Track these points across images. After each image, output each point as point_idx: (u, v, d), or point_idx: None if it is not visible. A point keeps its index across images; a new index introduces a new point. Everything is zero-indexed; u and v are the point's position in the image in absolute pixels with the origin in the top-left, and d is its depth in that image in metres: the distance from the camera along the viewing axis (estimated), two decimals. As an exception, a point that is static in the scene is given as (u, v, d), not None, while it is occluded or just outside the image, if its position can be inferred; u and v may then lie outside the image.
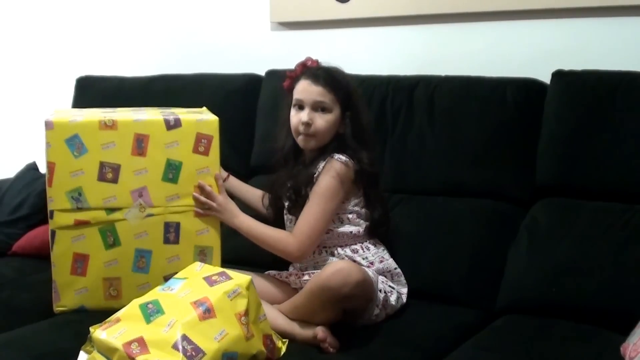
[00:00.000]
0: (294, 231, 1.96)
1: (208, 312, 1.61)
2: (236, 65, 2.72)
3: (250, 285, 1.68)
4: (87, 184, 1.97)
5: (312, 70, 2.01)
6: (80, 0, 3.28)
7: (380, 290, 1.89)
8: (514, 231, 2.05)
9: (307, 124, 1.96)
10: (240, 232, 2.01)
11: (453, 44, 2.44)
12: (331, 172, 1.94)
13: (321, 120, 1.96)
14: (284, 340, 1.78)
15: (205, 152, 2.02)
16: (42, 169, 2.79)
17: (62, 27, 3.34)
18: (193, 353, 1.53)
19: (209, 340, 1.57)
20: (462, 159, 2.17)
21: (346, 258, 1.95)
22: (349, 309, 1.81)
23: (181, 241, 2.03)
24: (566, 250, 1.93)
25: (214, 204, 1.98)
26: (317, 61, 2.03)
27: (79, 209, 1.98)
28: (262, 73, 2.64)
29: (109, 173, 1.98)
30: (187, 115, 2.04)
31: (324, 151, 1.99)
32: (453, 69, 2.31)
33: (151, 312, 1.64)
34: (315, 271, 1.94)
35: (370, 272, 1.87)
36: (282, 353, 1.74)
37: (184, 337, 1.55)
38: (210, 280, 1.69)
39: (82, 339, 1.73)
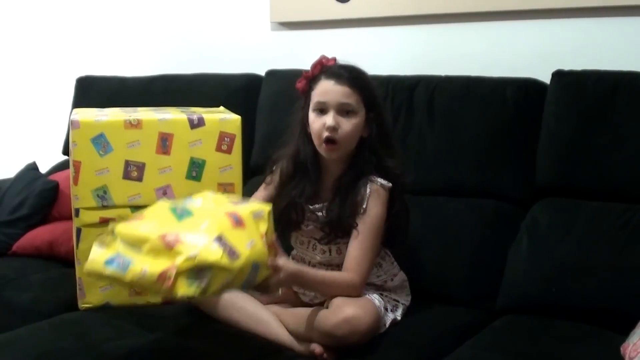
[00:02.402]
0: (350, 266, 1.78)
1: (239, 223, 1.55)
2: (236, 65, 2.72)
3: (270, 214, 1.62)
4: (113, 182, 2.00)
5: (332, 68, 1.83)
6: (80, 0, 3.28)
7: (386, 309, 1.86)
8: (514, 231, 2.05)
9: (334, 129, 1.77)
10: (305, 283, 1.80)
11: (453, 44, 2.44)
12: (380, 199, 1.80)
13: (348, 125, 1.77)
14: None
15: (228, 151, 2.06)
16: (42, 168, 2.80)
17: (62, 27, 3.34)
18: (231, 252, 1.48)
19: (242, 246, 1.51)
20: (462, 159, 2.17)
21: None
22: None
23: None
24: (566, 250, 1.93)
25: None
26: (334, 59, 1.85)
27: (104, 207, 2.01)
28: (262, 73, 2.64)
29: (133, 171, 2.01)
30: (209, 114, 2.08)
31: (356, 169, 1.83)
32: (453, 69, 2.30)
33: (181, 213, 1.57)
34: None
35: (377, 300, 1.82)
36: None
37: (221, 238, 1.48)
38: (233, 202, 1.65)
39: (82, 339, 1.74)
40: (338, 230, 1.83)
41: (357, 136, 1.82)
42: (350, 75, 1.81)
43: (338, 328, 1.67)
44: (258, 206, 1.64)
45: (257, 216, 1.61)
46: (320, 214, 1.88)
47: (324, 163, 1.89)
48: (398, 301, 1.93)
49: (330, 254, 1.90)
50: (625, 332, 1.60)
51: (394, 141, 1.94)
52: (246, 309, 1.85)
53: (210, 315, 1.90)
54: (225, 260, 1.47)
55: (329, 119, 1.78)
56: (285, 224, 1.89)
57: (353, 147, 1.83)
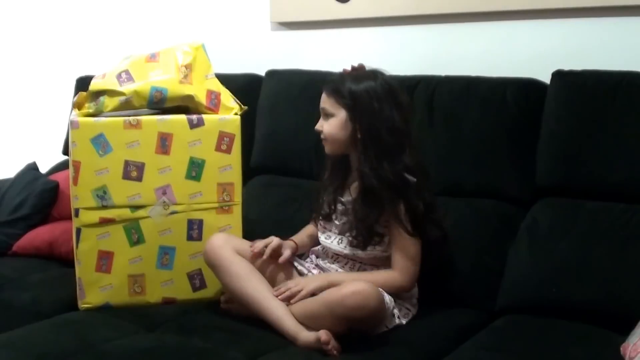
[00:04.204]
0: (397, 263, 1.91)
1: (153, 58, 2.10)
2: (236, 65, 2.72)
3: (200, 48, 2.14)
4: (112, 182, 2.01)
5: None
6: (80, 0, 3.28)
7: (394, 316, 1.88)
8: (514, 231, 2.05)
9: (319, 131, 1.99)
10: None
11: (453, 44, 2.44)
12: (414, 194, 1.90)
13: (327, 126, 1.96)
14: (243, 106, 2.11)
15: (228, 150, 2.08)
16: (42, 168, 2.80)
17: (62, 27, 3.34)
18: (127, 79, 2.02)
19: (143, 75, 2.04)
20: (462, 159, 2.17)
21: None
22: (357, 328, 1.80)
23: (204, 238, 2.07)
24: (566, 250, 1.93)
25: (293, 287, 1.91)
26: (353, 68, 1.99)
27: (104, 207, 2.02)
28: (262, 73, 2.64)
29: (133, 171, 2.02)
30: (208, 114, 2.08)
31: (360, 168, 1.93)
32: (453, 69, 2.30)
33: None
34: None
35: (387, 297, 1.85)
36: (233, 113, 2.09)
37: (127, 71, 2.04)
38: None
39: (82, 339, 1.74)
40: (369, 237, 1.93)
41: (340, 134, 1.95)
42: (330, 82, 1.98)
43: (348, 299, 1.73)
44: (189, 43, 2.14)
45: (180, 51, 2.11)
46: (349, 206, 1.98)
47: (346, 157, 2.02)
48: (410, 310, 1.96)
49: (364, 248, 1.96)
50: (625, 332, 1.60)
51: (393, 145, 1.91)
52: (256, 296, 1.90)
53: (222, 285, 1.99)
54: (115, 86, 2.01)
55: (318, 123, 2.00)
56: (318, 213, 2.06)
57: (342, 143, 1.96)
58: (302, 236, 2.12)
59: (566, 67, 2.10)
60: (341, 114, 1.94)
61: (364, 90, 1.92)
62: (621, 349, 1.54)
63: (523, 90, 2.14)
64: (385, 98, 1.92)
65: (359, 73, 1.97)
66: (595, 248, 1.90)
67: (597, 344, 1.70)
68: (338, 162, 2.04)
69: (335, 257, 2.01)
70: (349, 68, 2.00)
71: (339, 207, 2.01)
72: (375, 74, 1.96)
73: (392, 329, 1.87)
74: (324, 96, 1.98)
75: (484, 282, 2.03)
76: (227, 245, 1.97)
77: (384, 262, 1.96)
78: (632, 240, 1.87)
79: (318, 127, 2.00)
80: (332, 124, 1.95)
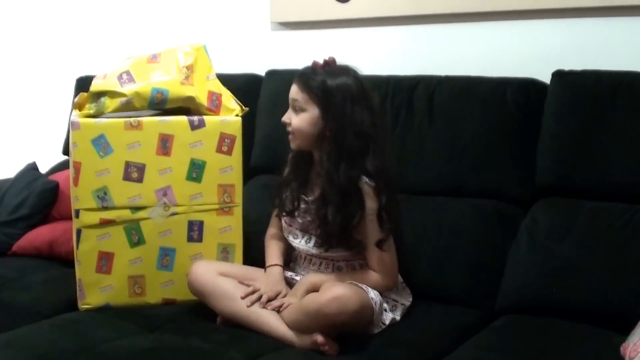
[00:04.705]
0: (375, 266, 1.90)
1: (154, 58, 2.11)
2: (236, 65, 2.72)
3: (201, 49, 2.15)
4: (113, 183, 2.01)
5: (303, 70, 1.97)
6: (80, 0, 3.28)
7: (385, 310, 1.88)
8: (514, 231, 2.05)
9: (286, 123, 1.94)
10: None
11: (453, 44, 2.44)
12: (373, 197, 1.88)
13: (296, 119, 1.91)
14: (244, 107, 2.13)
15: (229, 152, 2.08)
16: (42, 169, 2.80)
17: (62, 27, 3.34)
18: (128, 79, 2.03)
19: (144, 76, 2.05)
20: (462, 159, 2.17)
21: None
22: (345, 331, 1.79)
23: (204, 239, 2.08)
24: (566, 250, 1.93)
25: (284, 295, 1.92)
26: (325, 62, 1.93)
27: (105, 208, 2.02)
28: (262, 73, 2.64)
29: (134, 172, 2.02)
30: (209, 115, 2.08)
31: (324, 165, 1.90)
32: (453, 69, 2.30)
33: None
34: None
35: (373, 293, 1.84)
36: (234, 114, 2.10)
37: (128, 72, 2.05)
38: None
39: (82, 339, 1.73)
40: (340, 242, 1.91)
41: (309, 129, 1.91)
42: (303, 76, 1.93)
43: (326, 306, 1.72)
44: (190, 44, 2.14)
45: (182, 52, 2.12)
46: (313, 206, 1.94)
47: (310, 154, 1.98)
48: (397, 301, 1.94)
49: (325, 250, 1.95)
50: (625, 332, 1.60)
51: (361, 145, 1.89)
52: (245, 311, 1.89)
53: (213, 309, 1.94)
54: (115, 87, 2.01)
55: (285, 115, 1.96)
56: (281, 210, 2.03)
57: (310, 140, 1.92)
58: (278, 252, 2.05)
59: (566, 67, 2.10)
60: (314, 111, 1.90)
61: (339, 90, 1.88)
62: (621, 349, 1.54)
63: (523, 90, 2.14)
64: (358, 100, 1.90)
65: (332, 68, 1.92)
66: (595, 248, 1.90)
67: (597, 344, 1.71)
68: (301, 158, 2.00)
69: (309, 259, 2.00)
70: (320, 61, 1.93)
71: (302, 205, 1.98)
72: (348, 71, 1.92)
73: (389, 327, 1.87)
74: (295, 88, 1.92)
75: (484, 282, 2.03)
76: (209, 271, 1.96)
77: (355, 257, 1.95)
78: (632, 240, 1.88)
79: (285, 119, 1.95)
80: (303, 118, 1.91)
